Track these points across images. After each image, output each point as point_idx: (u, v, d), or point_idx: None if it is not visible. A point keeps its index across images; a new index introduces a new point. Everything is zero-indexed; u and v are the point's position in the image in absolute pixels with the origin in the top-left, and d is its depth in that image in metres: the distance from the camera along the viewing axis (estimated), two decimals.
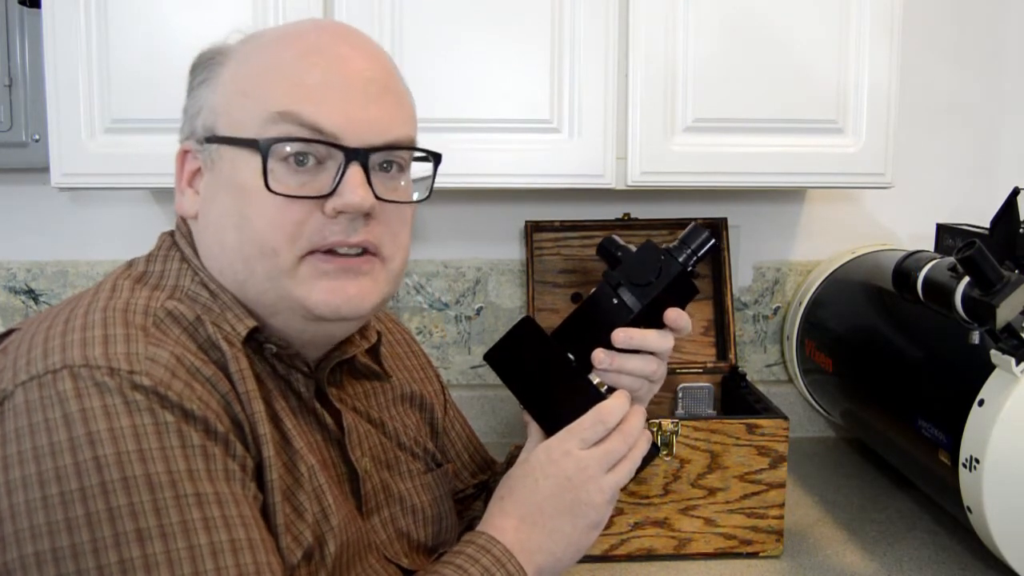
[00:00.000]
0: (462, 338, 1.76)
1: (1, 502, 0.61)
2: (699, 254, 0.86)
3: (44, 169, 1.37)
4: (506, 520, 0.79)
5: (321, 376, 0.81)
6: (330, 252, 0.73)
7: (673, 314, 0.85)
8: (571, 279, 1.67)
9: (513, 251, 1.75)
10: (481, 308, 1.75)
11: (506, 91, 1.36)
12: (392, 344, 1.00)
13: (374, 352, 0.90)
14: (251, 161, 0.72)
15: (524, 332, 0.87)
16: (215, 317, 0.73)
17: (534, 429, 0.87)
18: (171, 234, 0.81)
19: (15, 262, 1.71)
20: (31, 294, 1.72)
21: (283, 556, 0.69)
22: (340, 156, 0.73)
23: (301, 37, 0.76)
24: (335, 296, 0.73)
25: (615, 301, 0.85)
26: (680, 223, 1.65)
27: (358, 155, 0.73)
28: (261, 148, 0.71)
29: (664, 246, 0.87)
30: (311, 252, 0.73)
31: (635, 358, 0.85)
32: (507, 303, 1.75)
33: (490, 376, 1.76)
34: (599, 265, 1.67)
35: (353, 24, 0.82)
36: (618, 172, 1.39)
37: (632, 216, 1.63)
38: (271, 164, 0.72)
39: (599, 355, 0.84)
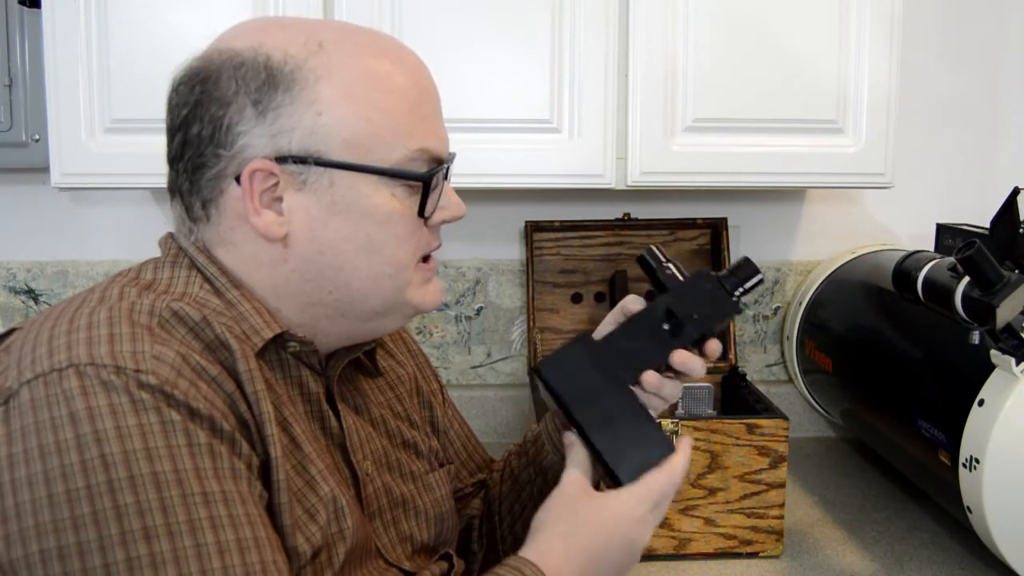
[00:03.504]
0: (462, 338, 1.76)
1: (7, 500, 0.61)
2: (747, 289, 0.88)
3: (44, 169, 1.38)
4: (564, 564, 0.76)
5: (332, 375, 0.82)
6: (426, 259, 0.82)
7: (713, 345, 0.87)
8: (571, 279, 1.67)
9: (513, 251, 1.75)
10: (481, 308, 1.75)
11: (506, 91, 1.36)
12: (392, 343, 1.00)
13: (371, 351, 0.90)
14: (381, 187, 0.76)
15: (582, 351, 0.84)
16: (225, 320, 0.73)
17: (578, 452, 0.83)
18: (171, 235, 0.81)
19: (15, 262, 1.71)
20: (31, 294, 1.72)
21: (292, 555, 0.69)
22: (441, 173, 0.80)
23: (399, 60, 0.78)
24: (437, 294, 0.84)
25: (670, 327, 0.85)
26: (680, 223, 1.65)
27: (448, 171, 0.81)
28: (424, 182, 0.77)
29: (715, 274, 0.88)
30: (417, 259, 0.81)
31: (671, 383, 0.86)
32: (507, 303, 1.75)
33: (490, 376, 1.77)
34: (599, 265, 1.67)
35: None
36: (618, 172, 1.39)
37: (632, 216, 1.63)
38: (399, 190, 0.77)
39: (651, 379, 0.84)
